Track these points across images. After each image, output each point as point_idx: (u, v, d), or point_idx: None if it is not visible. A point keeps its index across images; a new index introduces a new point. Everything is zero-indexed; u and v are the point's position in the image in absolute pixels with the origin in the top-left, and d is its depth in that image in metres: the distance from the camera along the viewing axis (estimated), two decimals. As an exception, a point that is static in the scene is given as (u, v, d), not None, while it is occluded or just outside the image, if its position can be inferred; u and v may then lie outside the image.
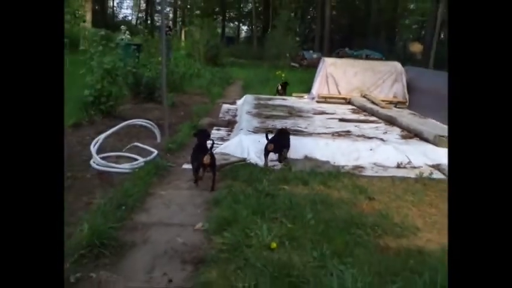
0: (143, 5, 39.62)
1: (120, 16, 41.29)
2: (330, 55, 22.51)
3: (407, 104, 8.25)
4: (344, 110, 7.68)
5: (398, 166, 4.64)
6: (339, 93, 8.58)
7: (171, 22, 20.96)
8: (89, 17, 22.61)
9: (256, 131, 5.44)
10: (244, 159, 4.58)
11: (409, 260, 2.56)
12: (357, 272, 2.27)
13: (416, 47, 32.30)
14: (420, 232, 3.05)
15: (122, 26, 14.80)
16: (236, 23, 47.10)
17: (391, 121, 6.42)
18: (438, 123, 6.23)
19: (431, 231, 3.08)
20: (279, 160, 4.47)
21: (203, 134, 4.14)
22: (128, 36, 12.91)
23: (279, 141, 4.51)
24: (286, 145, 4.55)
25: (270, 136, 4.54)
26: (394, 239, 2.90)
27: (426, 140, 5.21)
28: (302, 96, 9.40)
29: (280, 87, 10.41)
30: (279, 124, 6.02)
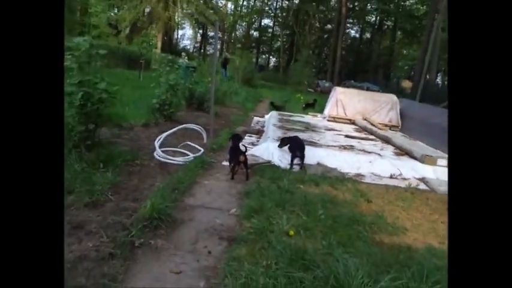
0: (199, 38, 40.20)
1: (181, 45, 42.02)
2: (338, 85, 22.17)
3: (399, 127, 7.97)
4: (349, 129, 7.48)
5: (391, 177, 4.45)
6: (346, 115, 8.38)
7: (228, 54, 21.20)
8: (159, 44, 23.15)
9: (279, 139, 5.35)
10: (269, 161, 4.50)
11: (400, 254, 2.42)
12: (358, 261, 2.16)
13: (406, 84, 31.41)
14: (408, 232, 2.89)
15: (183, 53, 15.04)
16: (267, 55, 47.09)
17: (386, 140, 6.19)
18: (424, 144, 5.97)
19: (417, 232, 2.92)
20: (301, 162, 4.38)
21: (237, 138, 4.12)
22: (187, 60, 13.07)
23: (295, 144, 4.47)
24: (301, 148, 4.45)
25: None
26: (387, 236, 2.75)
27: (415, 158, 4.98)
28: (316, 116, 9.24)
29: (305, 105, 10.71)
30: (298, 135, 5.92)
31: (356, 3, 37.14)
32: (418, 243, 2.69)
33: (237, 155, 3.82)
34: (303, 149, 4.44)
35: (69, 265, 1.92)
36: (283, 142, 4.57)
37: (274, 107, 10.40)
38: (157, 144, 4.32)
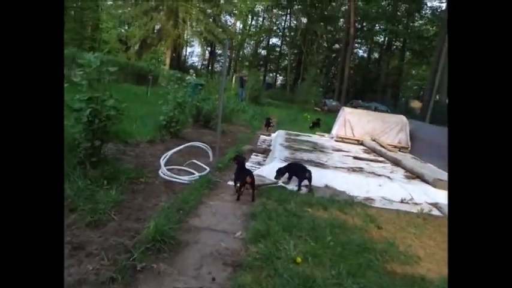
0: (207, 55, 41.09)
1: (190, 62, 42.90)
2: (346, 104, 22.26)
3: (409, 149, 7.89)
4: (357, 150, 7.42)
5: (402, 201, 4.35)
6: (354, 135, 8.35)
7: (245, 73, 21.41)
8: (167, 61, 23.66)
9: (286, 160, 5.32)
10: (276, 182, 4.45)
11: (414, 286, 2.33)
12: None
13: (415, 104, 31.39)
14: (422, 261, 2.78)
15: (191, 70, 15.32)
16: (274, 73, 47.74)
17: (396, 162, 6.11)
18: (435, 167, 5.87)
19: (431, 262, 2.81)
20: (309, 184, 4.32)
21: (240, 159, 4.09)
22: (195, 77, 13.30)
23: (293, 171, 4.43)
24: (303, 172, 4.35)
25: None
26: (399, 265, 2.66)
27: (426, 182, 4.89)
28: (323, 135, 9.22)
29: (312, 124, 10.91)
30: (305, 156, 5.88)
31: (364, 24, 37.79)
32: (433, 274, 2.59)
33: (243, 176, 3.79)
34: (305, 171, 4.34)
35: (68, 289, 1.87)
36: (279, 173, 4.43)
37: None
38: (162, 162, 4.31)
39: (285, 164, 4.96)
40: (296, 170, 4.43)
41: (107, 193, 3.08)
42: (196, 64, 42.15)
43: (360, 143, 8.19)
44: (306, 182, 4.33)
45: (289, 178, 4.47)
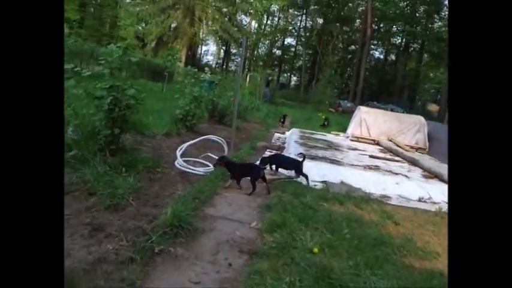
0: (222, 54, 41.30)
1: (204, 60, 43.26)
2: (361, 105, 21.98)
3: (427, 150, 7.75)
4: (373, 149, 7.33)
5: (420, 200, 4.27)
6: (369, 135, 8.25)
7: (269, 76, 21.08)
8: (183, 58, 23.91)
9: (301, 156, 5.29)
10: (290, 177, 4.44)
11: (433, 279, 2.29)
12: (388, 283, 2.05)
13: (433, 107, 30.83)
14: (441, 257, 2.72)
15: (206, 68, 15.42)
16: (289, 73, 47.60)
17: (414, 162, 6.01)
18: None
19: (450, 260, 2.75)
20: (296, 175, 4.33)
21: (224, 160, 3.96)
22: (209, 75, 13.37)
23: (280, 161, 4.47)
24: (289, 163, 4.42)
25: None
26: (417, 260, 2.61)
27: (445, 182, 4.79)
28: (338, 134, 9.15)
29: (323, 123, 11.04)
30: (320, 153, 5.85)
31: (381, 25, 37.24)
32: (452, 271, 2.53)
33: (253, 171, 3.82)
34: (292, 163, 4.37)
35: (88, 267, 1.91)
36: (263, 161, 4.43)
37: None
38: (179, 153, 4.36)
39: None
40: (280, 162, 4.44)
41: (125, 180, 3.13)
42: (211, 63, 42.50)
43: (376, 142, 8.09)
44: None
45: (276, 169, 4.46)
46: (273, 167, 4.47)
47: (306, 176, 4.23)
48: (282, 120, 10.85)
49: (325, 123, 11.46)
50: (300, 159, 4.40)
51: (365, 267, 2.24)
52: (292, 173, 4.41)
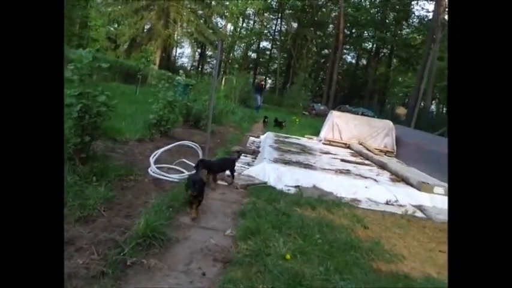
0: (197, 57, 40.92)
1: (179, 63, 42.67)
2: (333, 108, 22.52)
3: (394, 153, 8.09)
4: (345, 153, 7.56)
5: (387, 203, 4.46)
6: (341, 138, 8.49)
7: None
8: (157, 61, 23.47)
9: (276, 161, 5.37)
10: (265, 183, 4.50)
11: (398, 283, 2.41)
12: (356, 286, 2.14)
13: (401, 110, 32.12)
14: (406, 260, 2.87)
15: (180, 70, 15.22)
16: (264, 76, 47.96)
17: (382, 166, 6.26)
18: (420, 172, 6.04)
19: (414, 261, 2.90)
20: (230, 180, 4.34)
21: (202, 163, 3.98)
22: (184, 77, 13.22)
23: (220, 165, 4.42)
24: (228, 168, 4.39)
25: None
26: (384, 263, 2.73)
27: (411, 185, 5.03)
28: (312, 138, 9.34)
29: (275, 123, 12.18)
30: (294, 158, 5.95)
31: (353, 30, 38.43)
32: (416, 272, 2.67)
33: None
34: (220, 166, 4.38)
35: (58, 282, 1.86)
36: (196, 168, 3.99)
37: (277, 123, 12.10)
38: (152, 160, 4.29)
39: (272, 164, 5.02)
40: (209, 165, 4.18)
41: (96, 189, 3.05)
42: (186, 65, 41.98)
43: (347, 146, 8.33)
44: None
45: (213, 175, 4.22)
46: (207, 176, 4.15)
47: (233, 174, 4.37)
48: (265, 120, 12.41)
49: (283, 124, 12.23)
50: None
51: (335, 272, 2.33)
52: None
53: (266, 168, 4.82)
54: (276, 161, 5.38)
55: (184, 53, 43.50)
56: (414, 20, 35.72)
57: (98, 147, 4.30)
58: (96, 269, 2.00)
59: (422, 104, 24.16)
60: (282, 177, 4.61)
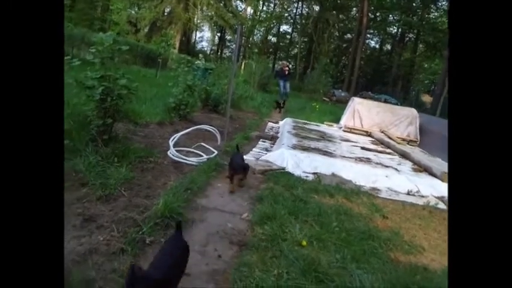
0: (217, 41, 40.72)
1: (199, 47, 42.59)
2: (355, 95, 22.01)
3: (418, 143, 7.84)
4: (365, 141, 7.39)
5: (408, 193, 4.35)
6: (362, 126, 8.30)
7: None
8: (177, 44, 23.52)
9: (294, 147, 5.33)
10: (283, 168, 4.47)
11: (416, 275, 2.36)
12: (373, 277, 2.11)
13: (426, 98, 30.99)
14: (425, 252, 2.80)
15: (200, 54, 15.21)
16: (284, 61, 47.30)
17: (404, 155, 6.08)
18: (444, 162, 5.84)
19: (434, 253, 2.83)
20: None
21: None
22: (204, 61, 13.19)
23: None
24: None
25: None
26: (403, 254, 2.68)
27: (434, 175, 4.87)
28: (332, 125, 9.18)
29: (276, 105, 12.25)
30: (313, 144, 5.88)
31: (378, 14, 36.93)
32: (436, 264, 2.61)
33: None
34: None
35: (79, 258, 1.94)
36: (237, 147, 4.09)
37: (277, 104, 12.13)
38: (171, 143, 4.35)
39: (291, 150, 4.98)
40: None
41: (117, 170, 3.13)
42: (206, 49, 41.88)
43: (369, 134, 8.15)
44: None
45: None
46: None
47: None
48: (281, 105, 12.31)
49: (282, 105, 12.20)
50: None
51: (351, 261, 2.31)
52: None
53: (284, 154, 4.79)
54: (294, 147, 5.33)
55: (204, 37, 43.36)
56: (443, 3, 33.86)
57: (119, 129, 4.40)
58: (116, 246, 2.07)
59: (448, 92, 23.22)
60: (301, 163, 4.57)
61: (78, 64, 3.55)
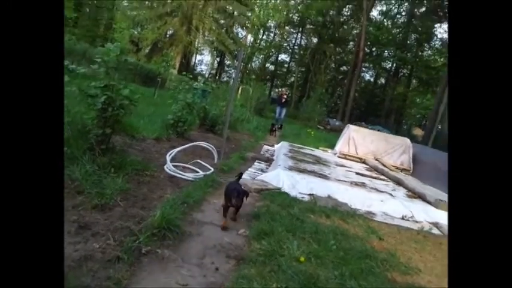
0: (216, 65, 41.64)
1: (198, 69, 43.42)
2: (349, 125, 22.35)
3: (411, 171, 7.94)
4: (360, 167, 7.47)
5: (403, 218, 4.36)
6: (357, 153, 8.40)
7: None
8: (177, 66, 23.96)
9: (290, 168, 5.36)
10: (279, 188, 4.48)
11: (415, 295, 2.34)
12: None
13: (417, 131, 31.66)
14: (422, 273, 2.79)
15: (199, 77, 15.49)
16: (280, 89, 48.23)
17: (398, 182, 6.15)
18: (437, 190, 5.90)
19: (431, 275, 2.82)
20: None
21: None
22: (202, 84, 13.41)
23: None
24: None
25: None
26: (400, 274, 2.66)
27: (428, 202, 4.92)
28: (326, 150, 9.29)
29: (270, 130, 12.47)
30: (308, 167, 5.92)
31: (374, 49, 38.40)
32: (433, 286, 2.60)
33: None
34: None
35: (74, 264, 1.89)
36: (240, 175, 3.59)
37: (272, 126, 12.35)
38: (168, 157, 4.36)
39: (287, 171, 5.01)
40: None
41: (113, 180, 3.11)
42: (204, 72, 42.68)
43: (363, 161, 8.24)
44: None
45: None
46: None
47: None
48: (274, 129, 12.59)
49: (274, 129, 12.48)
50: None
51: (350, 278, 2.28)
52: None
53: (280, 175, 4.81)
54: (290, 168, 5.36)
55: (204, 61, 44.34)
56: (436, 42, 35.51)
57: (116, 142, 4.39)
58: (111, 254, 2.03)
59: (439, 127, 23.76)
60: (297, 184, 4.58)
61: (81, 73, 3.62)
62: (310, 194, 4.42)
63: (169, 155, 4.46)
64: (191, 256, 2.31)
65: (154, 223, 2.46)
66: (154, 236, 2.36)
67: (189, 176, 4.14)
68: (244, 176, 4.88)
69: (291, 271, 2.19)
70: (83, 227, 2.31)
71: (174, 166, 4.25)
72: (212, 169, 4.63)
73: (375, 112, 38.19)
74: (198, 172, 4.37)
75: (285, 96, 14.50)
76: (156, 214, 2.55)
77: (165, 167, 4.21)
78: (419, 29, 34.40)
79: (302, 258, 2.42)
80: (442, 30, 33.30)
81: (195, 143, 5.21)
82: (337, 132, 14.25)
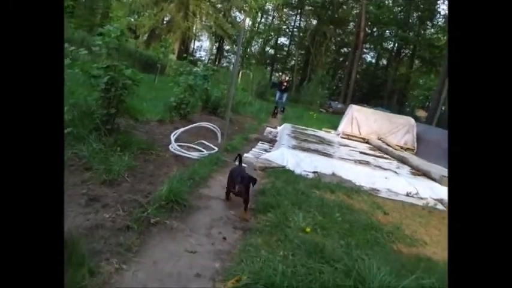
0: (215, 50, 41.19)
1: (197, 55, 42.98)
2: (351, 107, 22.23)
3: (415, 151, 7.95)
4: (363, 147, 7.48)
5: (407, 195, 4.39)
6: (360, 133, 8.41)
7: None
8: (176, 51, 23.73)
9: (294, 147, 5.38)
10: (283, 166, 4.51)
11: (421, 262, 2.39)
12: (379, 263, 2.13)
13: (421, 113, 31.46)
14: (427, 246, 2.84)
15: (199, 62, 15.36)
16: (281, 72, 47.78)
17: (402, 160, 6.17)
18: (442, 167, 5.92)
19: (436, 247, 2.87)
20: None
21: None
22: (201, 68, 13.30)
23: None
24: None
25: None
26: (405, 246, 2.72)
27: (433, 179, 4.95)
28: (329, 131, 9.28)
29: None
30: (312, 146, 5.94)
31: (374, 29, 37.75)
32: (438, 257, 2.64)
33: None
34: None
35: (86, 231, 1.94)
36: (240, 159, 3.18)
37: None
38: (173, 137, 4.38)
39: (291, 150, 5.03)
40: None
41: (120, 158, 3.14)
42: (204, 58, 42.21)
43: (366, 141, 8.25)
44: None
45: None
46: None
47: None
48: (276, 112, 12.61)
49: (276, 111, 12.63)
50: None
51: (356, 248, 2.33)
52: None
53: (285, 154, 4.84)
54: (294, 147, 5.39)
55: (202, 47, 43.82)
56: (439, 19, 34.76)
57: (121, 124, 4.41)
58: (121, 223, 2.07)
59: (443, 108, 23.59)
60: (301, 162, 4.61)
61: (83, 55, 3.60)
62: (314, 172, 4.45)
63: (174, 135, 4.48)
64: (199, 227, 2.35)
65: (162, 196, 2.51)
66: (163, 208, 2.40)
67: (194, 154, 4.17)
68: (248, 155, 4.91)
69: (297, 240, 2.23)
70: (93, 200, 2.35)
71: (178, 146, 4.28)
72: (216, 149, 4.66)
73: (377, 94, 37.89)
74: (202, 151, 4.40)
75: (285, 84, 14.22)
76: (164, 188, 2.59)
77: (170, 146, 4.24)
78: (421, 6, 33.56)
79: (308, 229, 2.46)
80: (445, 7, 32.43)
81: (198, 124, 5.23)
82: (340, 114, 14.18)
